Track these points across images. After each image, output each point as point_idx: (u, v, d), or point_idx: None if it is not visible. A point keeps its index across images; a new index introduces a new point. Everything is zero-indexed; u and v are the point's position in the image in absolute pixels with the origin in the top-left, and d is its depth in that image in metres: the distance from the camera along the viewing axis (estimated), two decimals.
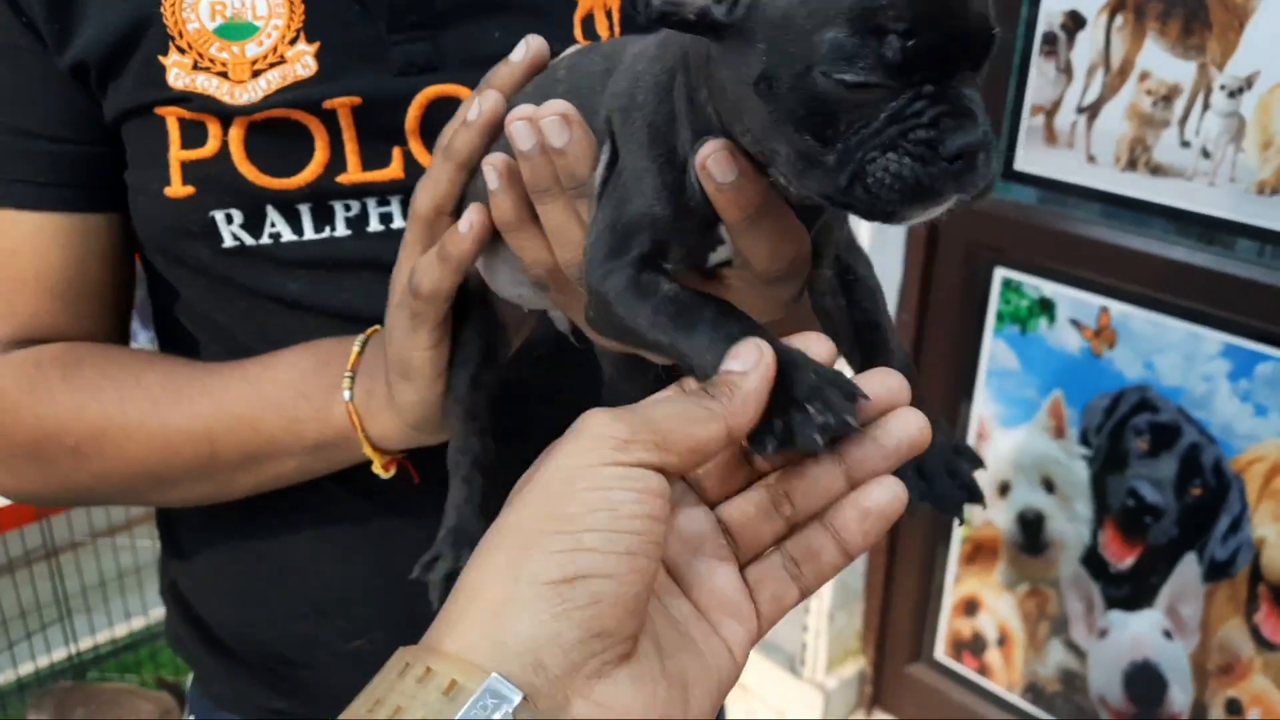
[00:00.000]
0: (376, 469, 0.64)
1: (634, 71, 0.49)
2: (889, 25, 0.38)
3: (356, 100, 0.63)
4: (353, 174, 0.65)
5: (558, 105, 0.48)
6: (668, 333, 0.46)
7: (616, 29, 0.69)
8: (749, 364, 0.43)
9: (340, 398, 0.62)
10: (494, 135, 0.54)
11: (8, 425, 0.67)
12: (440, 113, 0.63)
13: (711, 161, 0.44)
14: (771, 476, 0.46)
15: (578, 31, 0.67)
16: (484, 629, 0.37)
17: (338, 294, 0.67)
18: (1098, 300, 1.54)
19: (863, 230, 1.63)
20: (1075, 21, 1.46)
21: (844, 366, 0.49)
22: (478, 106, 0.54)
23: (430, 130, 0.64)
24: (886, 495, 0.44)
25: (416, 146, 0.65)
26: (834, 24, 0.38)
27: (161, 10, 0.62)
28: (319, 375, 0.63)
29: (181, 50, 0.62)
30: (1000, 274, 1.64)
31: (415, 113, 0.65)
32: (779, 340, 0.45)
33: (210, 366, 0.67)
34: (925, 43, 0.38)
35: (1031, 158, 1.56)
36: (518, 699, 0.36)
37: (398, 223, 0.66)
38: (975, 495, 0.52)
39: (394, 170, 0.65)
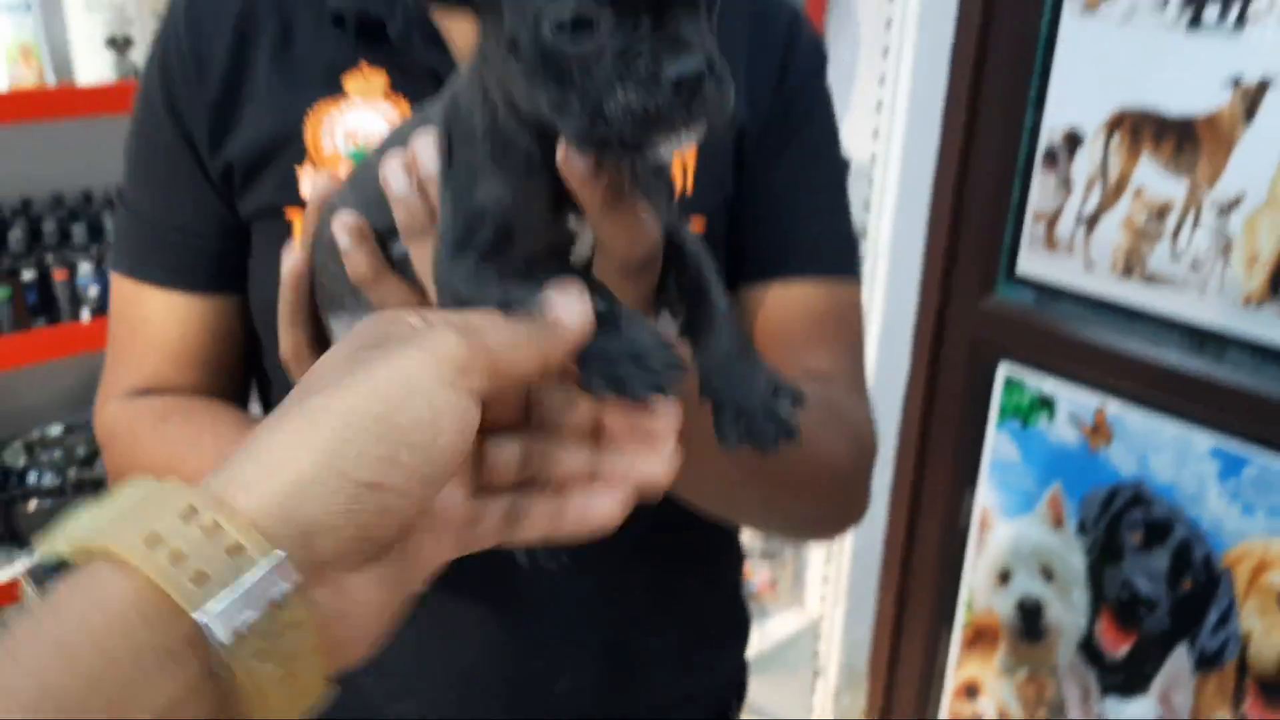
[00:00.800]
0: None
1: (454, 91, 0.51)
2: None
3: None
4: None
5: (423, 138, 0.50)
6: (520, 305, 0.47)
7: (689, 187, 0.75)
8: (570, 298, 0.44)
9: None
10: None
11: (113, 462, 0.77)
12: None
13: (569, 157, 0.46)
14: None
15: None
16: (280, 500, 0.36)
17: None
18: (1095, 398, 1.62)
19: (872, 325, 1.72)
20: (1074, 139, 1.57)
21: None
22: (313, 186, 0.60)
23: None
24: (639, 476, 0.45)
25: None
26: None
27: (303, 130, 0.71)
28: None
29: (315, 165, 0.72)
30: (1003, 370, 1.72)
31: None
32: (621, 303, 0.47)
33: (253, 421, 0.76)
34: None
35: (1033, 262, 1.65)
36: (292, 582, 0.35)
37: None
38: (790, 431, 0.51)
39: None
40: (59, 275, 1.82)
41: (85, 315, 1.85)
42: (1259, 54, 1.36)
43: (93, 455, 2.03)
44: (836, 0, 1.62)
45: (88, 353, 1.97)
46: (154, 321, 0.77)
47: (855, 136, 1.66)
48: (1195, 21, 1.41)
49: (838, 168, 0.81)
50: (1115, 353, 1.59)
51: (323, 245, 0.59)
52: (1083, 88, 1.54)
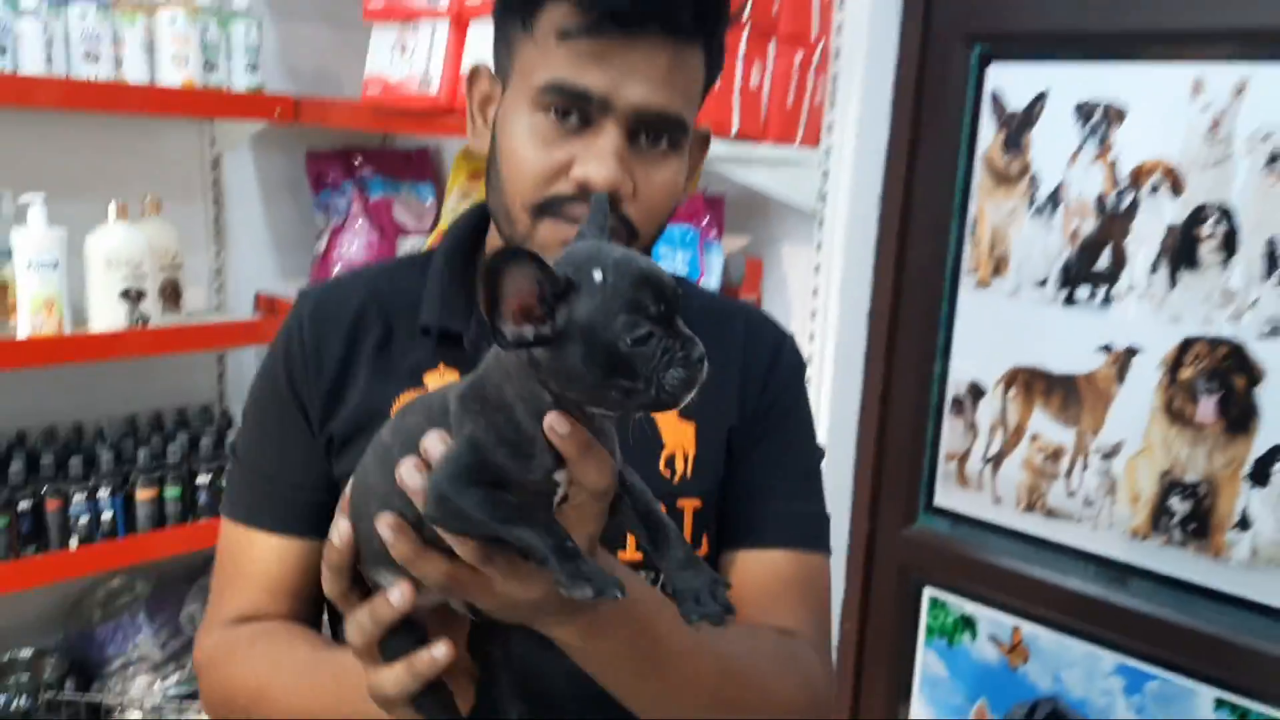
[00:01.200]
0: None
1: (481, 375, 0.68)
2: (648, 303, 0.62)
3: None
4: None
5: (432, 436, 0.65)
6: (506, 524, 0.63)
7: (690, 471, 0.92)
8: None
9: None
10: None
11: (213, 683, 0.90)
12: None
13: (554, 422, 0.62)
14: None
15: (661, 465, 0.91)
16: None
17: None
18: (1011, 620, 1.80)
19: None
20: (976, 389, 1.81)
21: None
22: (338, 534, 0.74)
23: None
24: None
25: None
26: (622, 311, 0.61)
27: (389, 412, 0.84)
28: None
29: None
30: (928, 593, 1.90)
31: None
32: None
33: (317, 666, 0.85)
34: (662, 308, 0.62)
35: (948, 496, 1.86)
36: None
37: None
38: (730, 608, 0.67)
39: None
40: (52, 505, 1.93)
41: (74, 543, 1.95)
42: (1124, 326, 1.63)
43: (61, 679, 2.08)
44: (771, 270, 1.89)
45: (69, 579, 2.07)
46: (260, 561, 0.91)
47: None
48: (1070, 300, 1.69)
49: (812, 456, 0.99)
50: (1024, 578, 1.78)
51: (367, 519, 0.73)
52: (981, 347, 1.80)
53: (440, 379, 0.90)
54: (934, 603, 1.90)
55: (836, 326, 1.82)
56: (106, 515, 1.99)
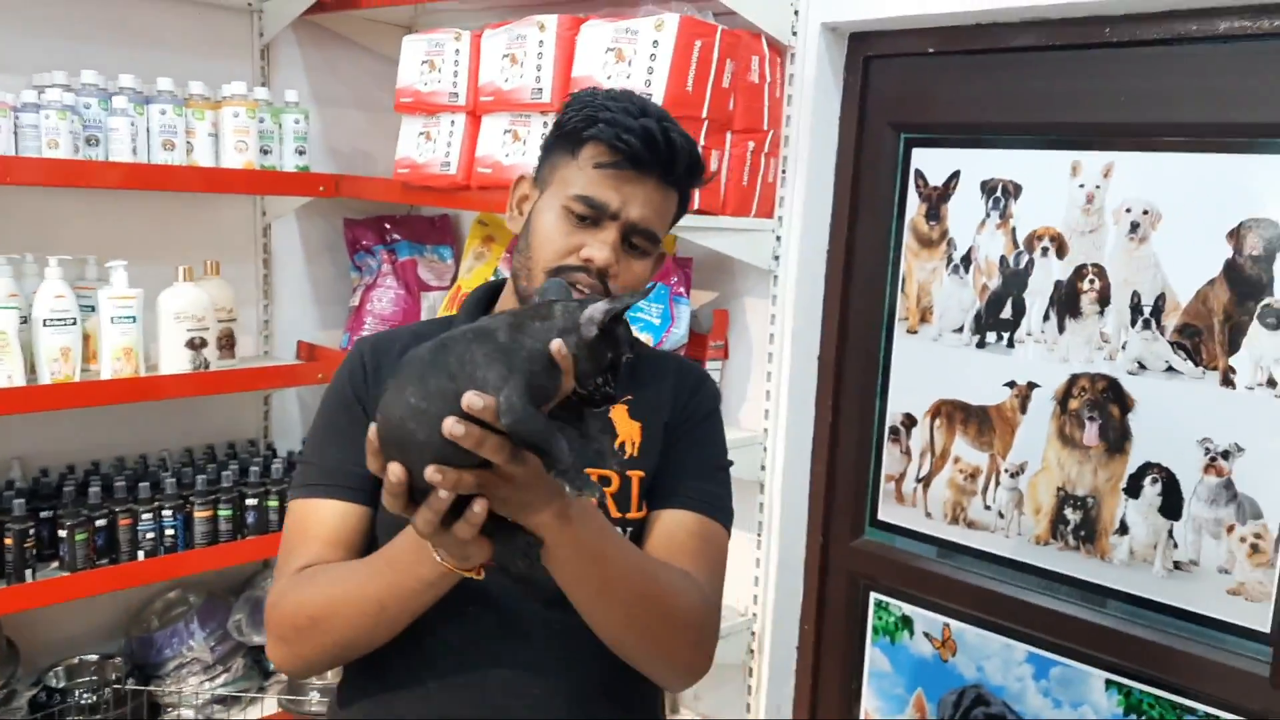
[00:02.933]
0: (469, 575, 1.03)
1: (473, 345, 0.92)
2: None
3: None
4: None
5: (472, 395, 0.87)
6: (549, 429, 0.88)
7: (636, 452, 1.26)
8: None
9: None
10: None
11: (283, 611, 1.14)
12: None
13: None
14: None
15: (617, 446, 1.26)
16: None
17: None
18: (941, 618, 2.10)
19: (770, 559, 2.21)
20: (910, 420, 2.13)
21: None
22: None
23: None
24: None
25: None
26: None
27: None
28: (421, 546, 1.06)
29: None
30: (873, 597, 2.20)
31: None
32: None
33: (372, 562, 1.12)
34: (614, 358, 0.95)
35: (888, 511, 2.17)
36: None
37: None
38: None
39: None
40: (124, 522, 2.27)
41: (140, 555, 2.28)
42: (1025, 365, 1.95)
43: (122, 679, 2.40)
44: (735, 320, 2.23)
45: (133, 588, 2.39)
46: (324, 521, 1.17)
47: (751, 416, 2.22)
48: (981, 344, 2.01)
49: (721, 457, 1.32)
50: (952, 581, 2.08)
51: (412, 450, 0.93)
52: (912, 384, 2.12)
53: None
54: (879, 605, 2.20)
55: (790, 368, 2.15)
56: (169, 532, 2.33)
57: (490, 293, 1.32)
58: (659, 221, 1.20)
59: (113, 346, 2.19)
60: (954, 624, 2.08)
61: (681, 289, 2.09)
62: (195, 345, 2.30)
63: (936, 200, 2.06)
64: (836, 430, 2.23)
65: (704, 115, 1.90)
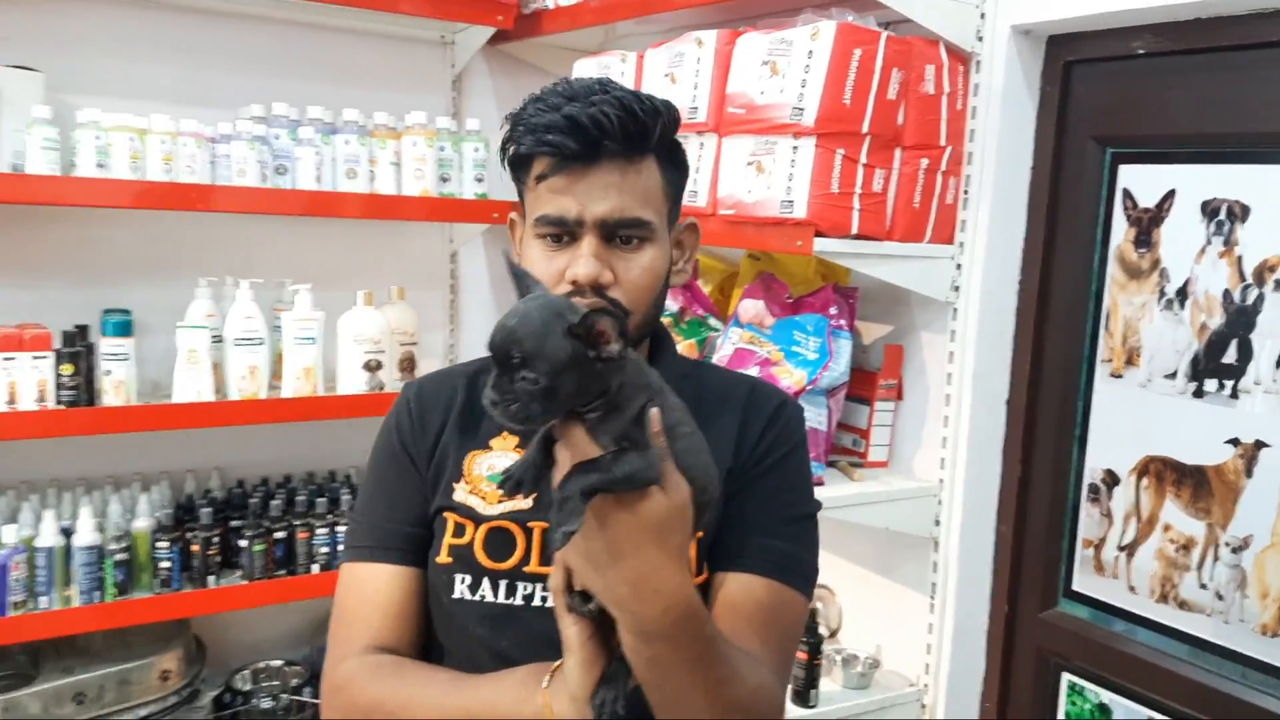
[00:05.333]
0: None
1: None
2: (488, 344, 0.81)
3: (546, 524, 1.06)
4: (533, 566, 1.08)
5: (654, 410, 0.86)
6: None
7: None
8: None
9: (540, 689, 0.96)
10: None
11: (352, 699, 1.05)
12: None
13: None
14: None
15: None
16: None
17: (501, 639, 1.07)
18: (1145, 711, 1.79)
19: (947, 625, 1.97)
20: (1112, 478, 1.84)
21: None
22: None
23: None
24: None
25: None
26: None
27: (464, 463, 1.11)
28: (532, 677, 0.98)
29: (467, 483, 1.10)
30: (1066, 678, 1.92)
31: None
32: None
33: (467, 676, 1.04)
34: (490, 351, 0.81)
35: (1085, 581, 1.89)
36: None
37: (550, 604, 1.02)
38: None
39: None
40: (301, 535, 2.35)
41: (315, 569, 2.35)
42: (1251, 419, 1.64)
43: (300, 686, 2.48)
44: (910, 357, 2.02)
45: (312, 599, 2.47)
46: (384, 589, 1.10)
47: (925, 464, 1.99)
48: (1199, 393, 1.71)
49: (801, 505, 1.13)
50: (1161, 669, 1.77)
51: None
52: (1116, 436, 1.83)
53: (503, 441, 1.13)
54: (1072, 688, 1.91)
55: (971, 412, 1.92)
56: (342, 547, 2.38)
57: None
58: (637, 202, 1.04)
59: (294, 366, 2.28)
60: (1159, 719, 1.77)
61: (842, 321, 1.91)
62: (371, 367, 2.36)
63: (1148, 224, 1.77)
64: (1026, 485, 1.96)
65: (866, 130, 1.73)
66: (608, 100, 1.02)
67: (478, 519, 1.09)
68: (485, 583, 1.08)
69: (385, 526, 1.14)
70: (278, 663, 2.58)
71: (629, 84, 2.07)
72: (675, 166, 1.10)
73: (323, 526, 2.37)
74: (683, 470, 0.87)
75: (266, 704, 2.43)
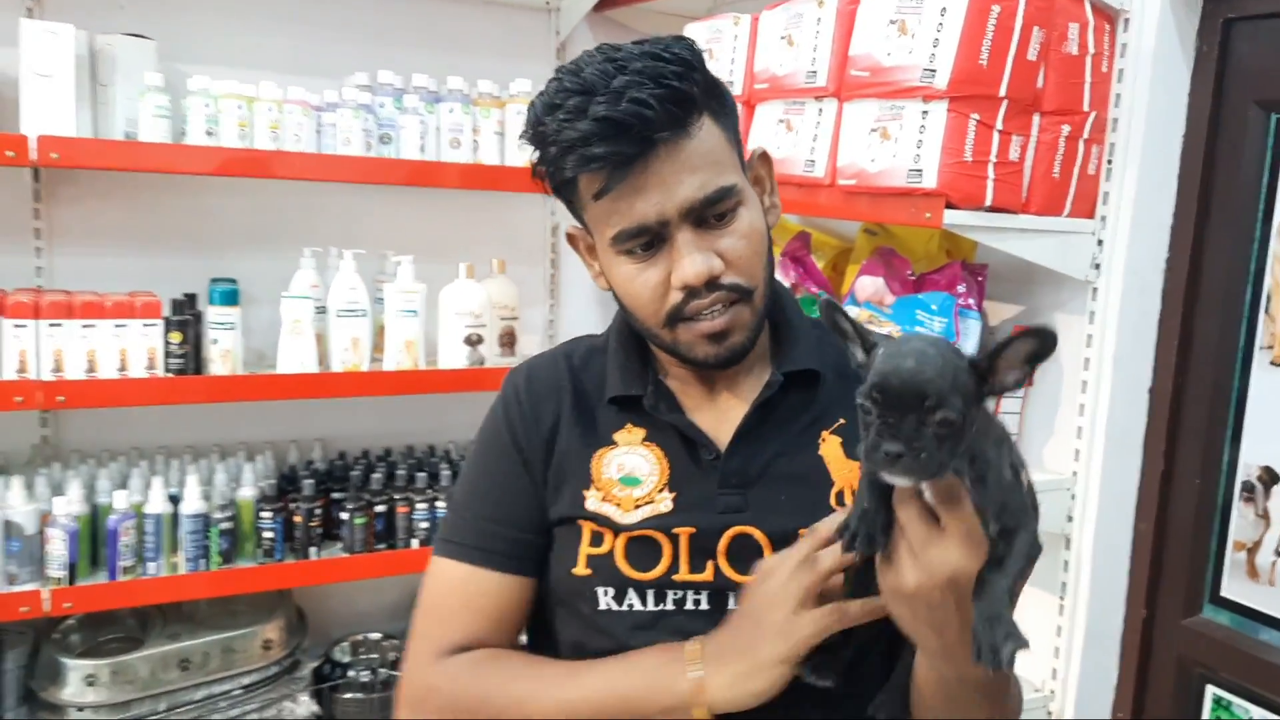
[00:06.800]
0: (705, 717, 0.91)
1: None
2: (872, 391, 0.74)
3: (693, 529, 0.99)
4: (683, 574, 0.99)
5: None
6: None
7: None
8: None
9: (686, 676, 0.92)
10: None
11: (457, 701, 0.99)
12: (741, 543, 0.99)
13: None
14: None
15: (833, 501, 1.02)
16: None
17: (657, 641, 0.99)
18: None
19: (1077, 628, 1.84)
20: (1271, 476, 1.68)
21: None
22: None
23: (733, 552, 0.99)
24: None
25: (724, 562, 0.99)
26: (864, 386, 0.76)
27: (590, 465, 1.03)
28: (671, 665, 0.94)
29: (598, 489, 1.02)
30: (1211, 691, 1.76)
31: (725, 541, 0.99)
32: None
33: (595, 662, 0.99)
34: (883, 398, 0.74)
35: (1236, 587, 1.73)
36: None
37: (704, 607, 1.00)
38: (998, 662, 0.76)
39: (708, 575, 0.99)
40: (401, 510, 2.32)
41: (414, 544, 2.33)
42: None
43: (398, 660, 2.46)
44: None
45: (410, 574, 2.45)
46: (486, 595, 1.03)
47: (1057, 455, 1.85)
48: None
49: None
50: None
51: None
52: (1276, 430, 1.67)
53: (628, 435, 1.05)
54: (1218, 702, 1.76)
55: (1110, 401, 1.77)
56: (439, 537, 2.35)
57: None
58: (713, 171, 0.94)
59: (396, 339, 2.25)
60: None
61: (971, 300, 1.78)
62: (472, 341, 2.31)
63: None
64: (1170, 481, 1.81)
65: (1003, 94, 1.59)
66: (635, 82, 0.90)
67: (616, 528, 1.02)
68: (631, 593, 1.01)
69: (489, 528, 1.06)
70: (376, 636, 2.57)
71: (743, 49, 1.98)
72: (723, 106, 0.98)
73: (422, 501, 2.34)
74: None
75: (365, 676, 2.43)
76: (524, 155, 2.28)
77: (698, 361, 1.01)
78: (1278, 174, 1.65)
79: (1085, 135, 1.70)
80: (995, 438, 0.80)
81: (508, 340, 2.46)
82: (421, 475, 2.36)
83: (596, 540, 1.02)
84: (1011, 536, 0.77)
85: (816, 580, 0.90)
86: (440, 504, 2.35)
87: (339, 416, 2.50)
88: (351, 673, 2.43)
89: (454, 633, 1.04)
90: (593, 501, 1.02)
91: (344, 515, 2.28)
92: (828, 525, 0.92)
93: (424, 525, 2.34)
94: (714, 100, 0.97)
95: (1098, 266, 1.76)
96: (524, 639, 1.13)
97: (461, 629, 1.04)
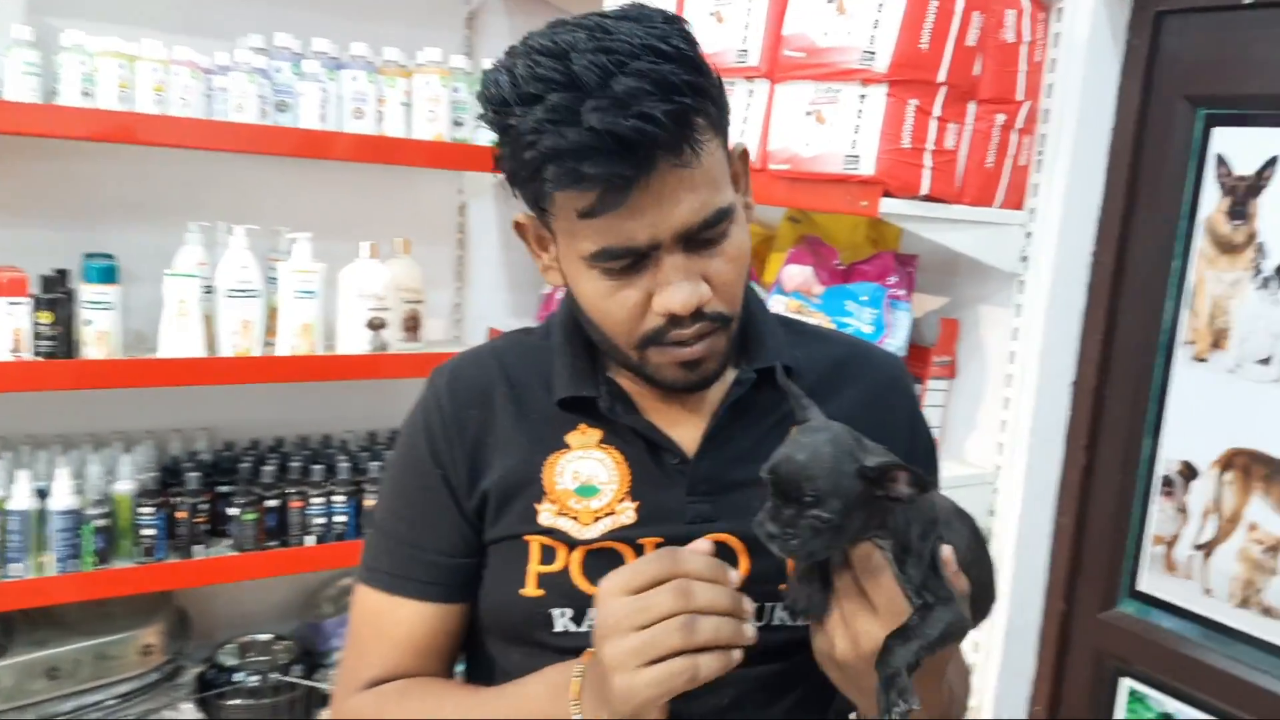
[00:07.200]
0: None
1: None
2: (769, 470, 0.78)
3: (660, 540, 0.90)
4: None
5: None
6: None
7: None
8: None
9: (570, 717, 0.83)
10: None
11: None
12: (716, 550, 0.89)
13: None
14: None
15: None
16: None
17: None
18: None
19: (997, 622, 1.83)
20: (1190, 470, 1.69)
21: None
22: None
23: None
24: None
25: None
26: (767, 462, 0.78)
27: (541, 474, 0.93)
28: (555, 704, 0.86)
29: (551, 501, 0.93)
30: (1126, 684, 1.77)
31: None
32: None
33: (485, 693, 0.92)
34: (773, 481, 0.77)
35: (1153, 581, 1.74)
36: None
37: None
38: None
39: None
40: (295, 505, 2.18)
41: (309, 541, 2.19)
42: None
43: (290, 663, 2.32)
44: (967, 332, 1.86)
45: (304, 573, 2.31)
46: (404, 624, 0.95)
47: (979, 449, 1.84)
48: None
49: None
50: (1237, 680, 1.62)
51: None
52: (1196, 425, 1.68)
53: (583, 437, 0.95)
54: (1133, 695, 1.77)
55: (1034, 393, 1.76)
56: (340, 519, 2.22)
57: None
58: (712, 190, 0.83)
59: (291, 321, 2.10)
60: None
61: (901, 291, 1.74)
62: (374, 325, 2.18)
63: (1244, 194, 1.61)
64: (1091, 475, 1.81)
65: (942, 80, 1.55)
66: (639, 90, 0.77)
67: (572, 542, 0.92)
68: (591, 612, 0.91)
69: (406, 552, 0.96)
70: (265, 637, 2.42)
71: None
72: (723, 113, 0.88)
73: (318, 496, 2.20)
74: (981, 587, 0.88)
75: (253, 681, 2.28)
76: (431, 128, 2.13)
77: (664, 384, 0.93)
78: (1204, 170, 1.65)
79: (1019, 125, 1.68)
80: (925, 520, 0.82)
81: (412, 325, 2.33)
82: (317, 468, 2.21)
83: (548, 557, 0.93)
84: (927, 612, 0.79)
85: (656, 635, 0.78)
86: (338, 498, 2.21)
87: (227, 404, 2.33)
88: (239, 677, 2.28)
89: (371, 667, 0.96)
90: (546, 516, 0.93)
91: (232, 511, 2.13)
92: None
93: (319, 521, 2.20)
94: (717, 109, 0.86)
95: (1025, 259, 1.74)
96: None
97: (380, 661, 0.96)
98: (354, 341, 2.17)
